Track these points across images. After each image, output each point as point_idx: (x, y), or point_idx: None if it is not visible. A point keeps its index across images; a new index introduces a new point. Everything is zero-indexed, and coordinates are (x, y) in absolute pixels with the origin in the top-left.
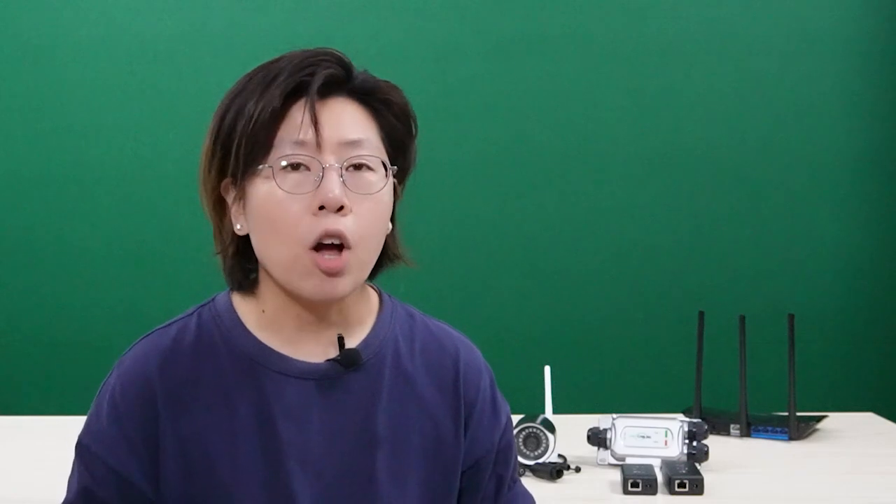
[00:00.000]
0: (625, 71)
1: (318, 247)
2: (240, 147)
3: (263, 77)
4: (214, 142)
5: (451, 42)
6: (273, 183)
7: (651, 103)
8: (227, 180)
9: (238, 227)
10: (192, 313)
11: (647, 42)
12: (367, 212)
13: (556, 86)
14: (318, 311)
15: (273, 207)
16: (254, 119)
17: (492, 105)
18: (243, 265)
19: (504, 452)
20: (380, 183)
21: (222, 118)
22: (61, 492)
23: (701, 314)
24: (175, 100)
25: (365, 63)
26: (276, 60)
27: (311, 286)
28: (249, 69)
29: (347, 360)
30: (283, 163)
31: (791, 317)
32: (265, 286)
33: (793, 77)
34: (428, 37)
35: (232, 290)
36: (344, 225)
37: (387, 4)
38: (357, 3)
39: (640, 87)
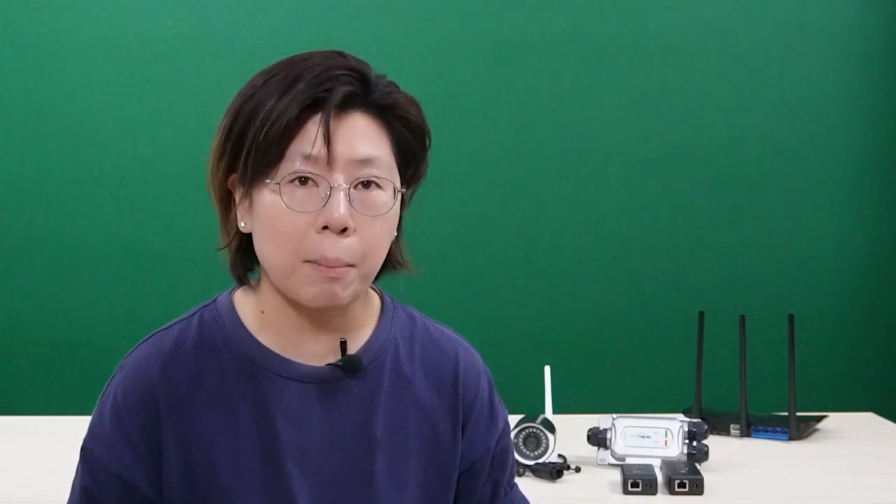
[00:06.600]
0: (625, 71)
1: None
2: (249, 154)
3: (281, 81)
4: (225, 141)
5: (451, 42)
6: (279, 196)
7: (651, 103)
8: (236, 176)
9: (242, 224)
10: (193, 314)
11: (647, 42)
12: (373, 231)
13: (556, 86)
14: (318, 314)
15: (277, 219)
16: (266, 129)
17: (492, 105)
18: (244, 262)
19: (500, 457)
20: (388, 203)
21: (235, 117)
22: (62, 492)
23: (701, 314)
24: (175, 100)
25: None
26: (297, 62)
27: (311, 293)
28: (249, 69)
29: (349, 366)
30: (292, 177)
31: (791, 317)
32: (265, 286)
33: (793, 77)
34: (428, 37)
35: (234, 287)
36: (344, 249)
37: (387, 4)
38: (357, 3)
39: (640, 87)
